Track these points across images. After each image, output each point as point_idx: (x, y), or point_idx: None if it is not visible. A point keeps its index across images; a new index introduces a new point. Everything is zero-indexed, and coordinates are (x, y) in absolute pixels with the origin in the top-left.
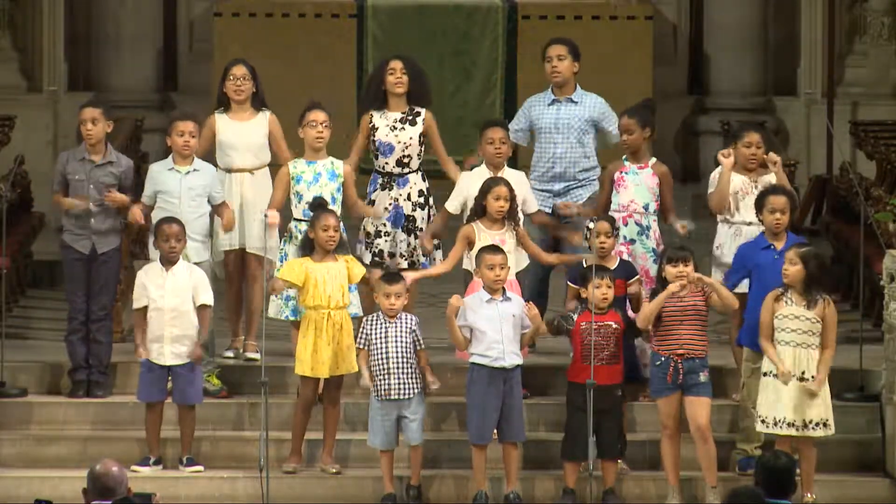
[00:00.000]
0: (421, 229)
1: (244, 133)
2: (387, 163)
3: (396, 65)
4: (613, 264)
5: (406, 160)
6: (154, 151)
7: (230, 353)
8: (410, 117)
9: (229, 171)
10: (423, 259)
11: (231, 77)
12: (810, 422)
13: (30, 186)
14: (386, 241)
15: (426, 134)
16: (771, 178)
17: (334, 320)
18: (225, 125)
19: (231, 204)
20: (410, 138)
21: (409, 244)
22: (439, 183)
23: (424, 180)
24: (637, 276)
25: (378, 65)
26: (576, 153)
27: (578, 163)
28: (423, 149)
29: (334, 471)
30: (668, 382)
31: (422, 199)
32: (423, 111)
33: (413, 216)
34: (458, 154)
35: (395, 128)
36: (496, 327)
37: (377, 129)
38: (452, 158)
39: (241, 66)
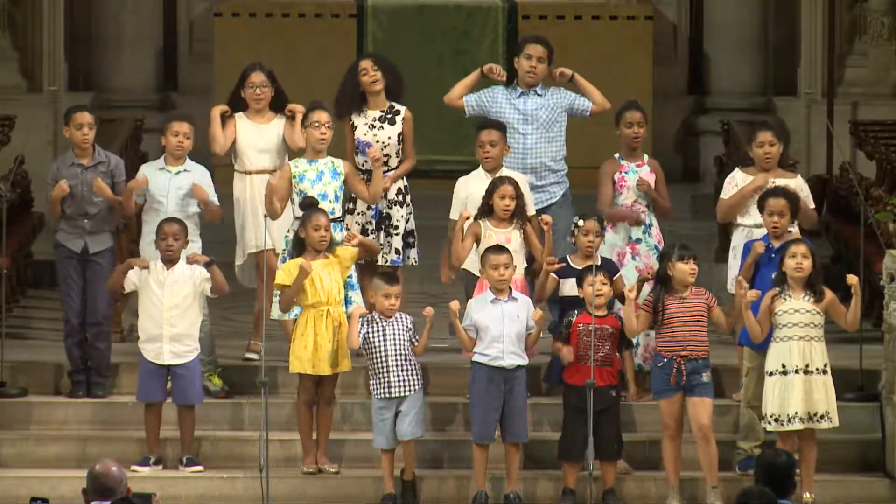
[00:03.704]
0: (396, 227)
1: (264, 135)
2: (366, 161)
3: (366, 64)
4: (596, 263)
5: (385, 158)
6: (154, 151)
7: (253, 356)
8: (390, 116)
9: (247, 172)
10: (394, 256)
11: (250, 85)
12: (815, 414)
13: (30, 186)
14: (374, 237)
15: (403, 132)
16: (789, 182)
17: (333, 317)
18: (244, 127)
19: (245, 205)
20: (389, 137)
21: (379, 242)
22: (423, 183)
23: (403, 178)
24: (619, 274)
25: (348, 70)
26: (545, 144)
27: (549, 154)
28: (401, 147)
29: (333, 470)
30: (670, 383)
31: (399, 198)
32: (402, 109)
33: (389, 213)
34: (459, 154)
35: (374, 126)
36: (498, 327)
37: (356, 127)
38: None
39: (259, 72)
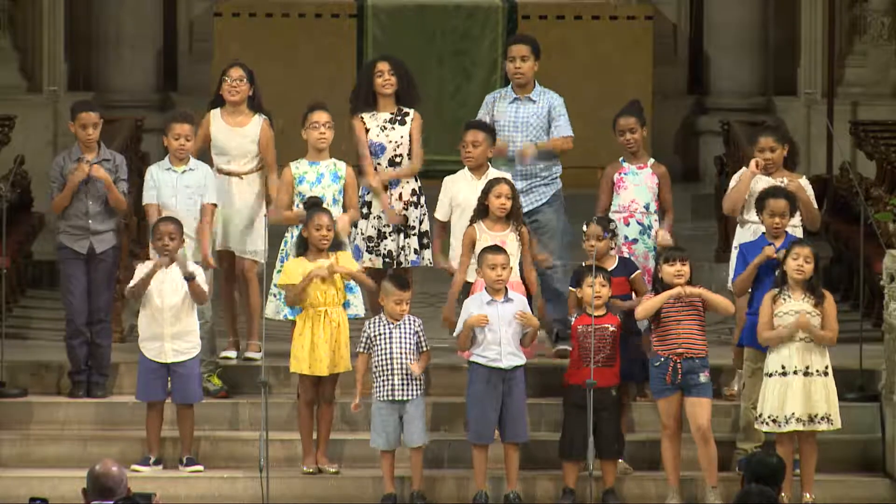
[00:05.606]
0: (413, 228)
1: (238, 137)
2: (379, 163)
3: (383, 66)
4: (612, 264)
5: (398, 159)
6: (154, 151)
7: (230, 354)
8: (400, 117)
9: (220, 172)
10: (413, 257)
11: (227, 78)
12: (815, 415)
13: (30, 186)
14: (392, 240)
15: (411, 131)
16: (796, 182)
17: (331, 318)
18: (220, 127)
19: (220, 204)
20: (401, 137)
21: (398, 244)
22: (423, 183)
23: (416, 180)
24: (638, 271)
25: (365, 67)
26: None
27: (539, 161)
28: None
29: (333, 471)
30: (667, 383)
31: (414, 199)
32: (411, 111)
33: (406, 215)
34: (459, 154)
35: (385, 128)
36: (495, 328)
37: (368, 129)
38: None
39: (238, 68)
